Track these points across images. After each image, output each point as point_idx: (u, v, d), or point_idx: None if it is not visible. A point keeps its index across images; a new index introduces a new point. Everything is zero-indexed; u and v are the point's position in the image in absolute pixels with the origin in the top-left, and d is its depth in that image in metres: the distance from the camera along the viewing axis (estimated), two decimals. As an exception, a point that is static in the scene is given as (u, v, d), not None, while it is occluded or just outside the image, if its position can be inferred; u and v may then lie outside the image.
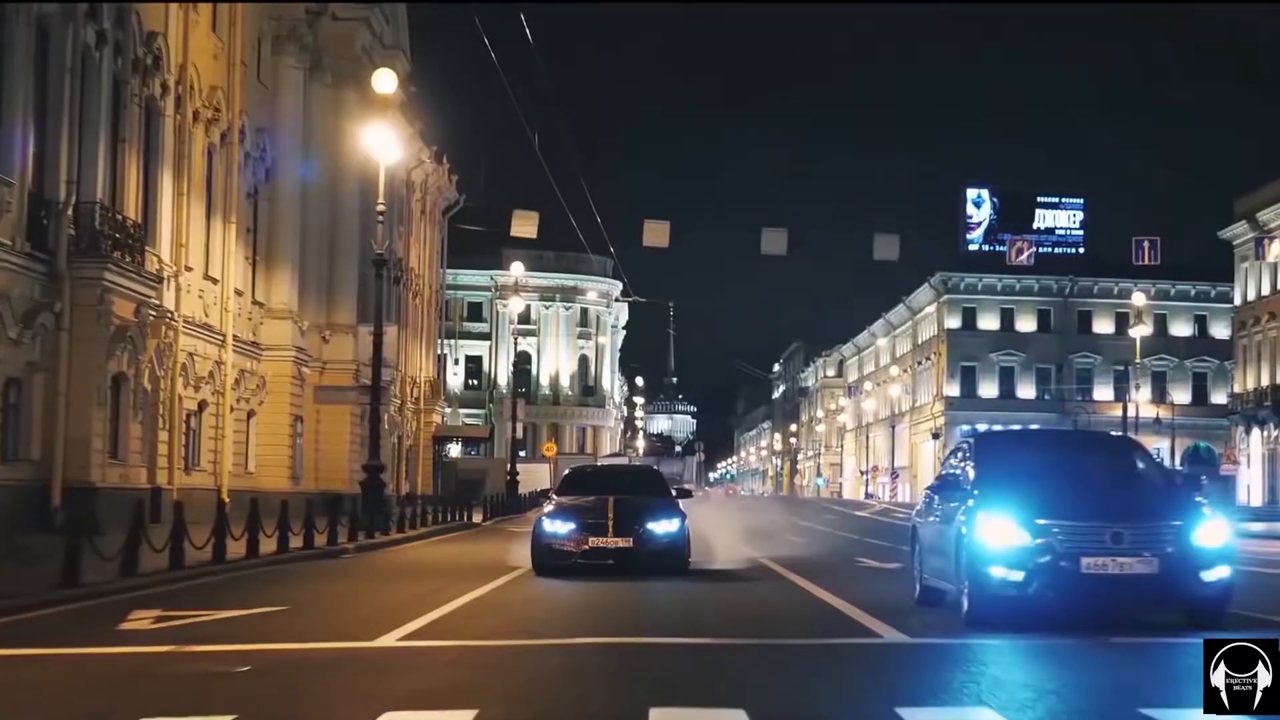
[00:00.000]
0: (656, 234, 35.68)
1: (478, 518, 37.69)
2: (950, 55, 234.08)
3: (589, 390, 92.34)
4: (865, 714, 6.42)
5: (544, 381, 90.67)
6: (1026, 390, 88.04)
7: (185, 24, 31.11)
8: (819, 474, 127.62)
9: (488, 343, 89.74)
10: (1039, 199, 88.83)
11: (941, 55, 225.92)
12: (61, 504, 24.54)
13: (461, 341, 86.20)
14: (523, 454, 62.26)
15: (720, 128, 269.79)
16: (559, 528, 16.74)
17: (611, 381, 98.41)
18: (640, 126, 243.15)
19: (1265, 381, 61.12)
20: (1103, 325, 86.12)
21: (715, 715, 6.11)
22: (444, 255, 63.77)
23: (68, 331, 24.93)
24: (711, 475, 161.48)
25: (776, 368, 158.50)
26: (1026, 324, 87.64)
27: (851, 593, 13.03)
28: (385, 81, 29.70)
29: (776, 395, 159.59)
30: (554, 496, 18.68)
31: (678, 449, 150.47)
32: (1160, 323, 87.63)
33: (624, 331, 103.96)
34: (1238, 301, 66.20)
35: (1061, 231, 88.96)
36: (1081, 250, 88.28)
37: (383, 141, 29.22)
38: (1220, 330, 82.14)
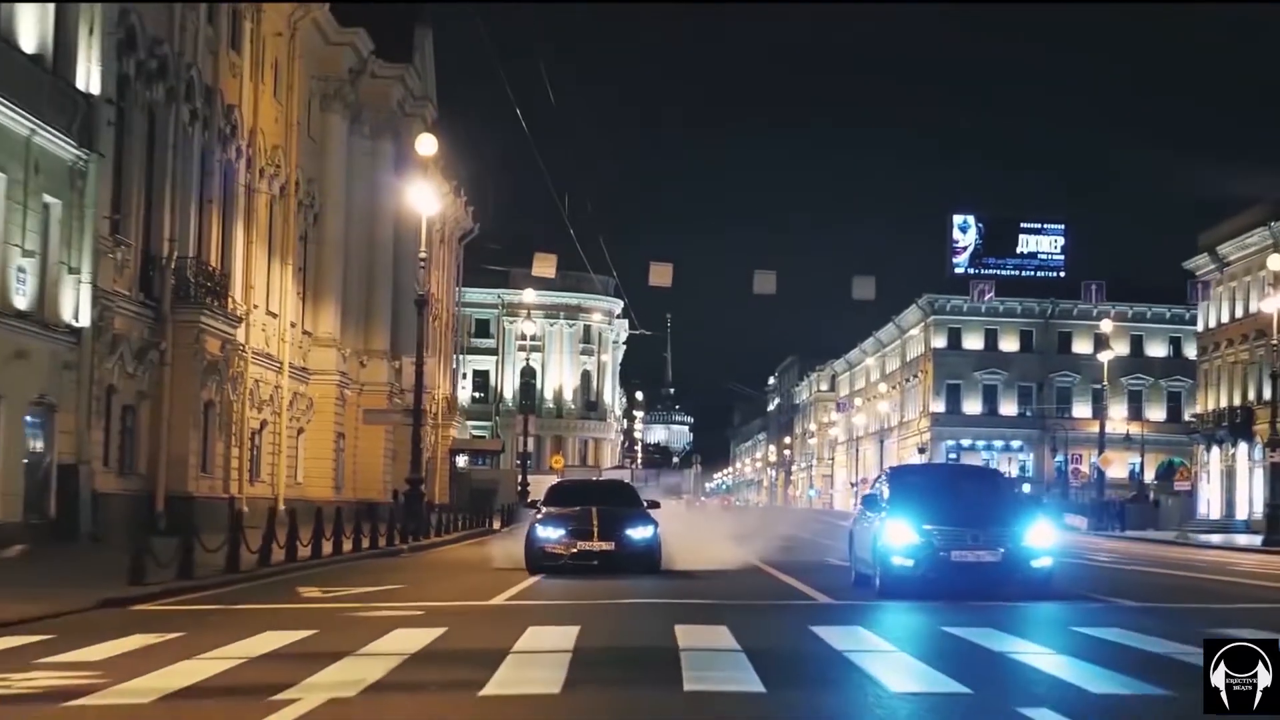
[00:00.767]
0: (661, 275, 40.94)
1: (496, 524, 43.04)
2: (943, 81, 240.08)
3: (591, 405, 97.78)
4: (791, 629, 11.69)
5: (548, 395, 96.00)
6: (1009, 407, 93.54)
7: (255, 93, 36.49)
8: (811, 485, 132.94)
9: (494, 358, 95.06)
10: (1022, 225, 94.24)
11: (936, 83, 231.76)
12: (164, 510, 29.84)
13: (469, 356, 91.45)
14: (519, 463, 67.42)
15: (721, 139, 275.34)
16: (551, 533, 19.86)
17: (613, 396, 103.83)
18: (637, 137, 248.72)
19: (1224, 403, 66.44)
20: (1082, 346, 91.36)
21: (710, 629, 11.32)
22: (459, 279, 69.11)
23: (170, 366, 30.22)
24: (708, 486, 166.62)
25: (771, 381, 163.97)
26: (1009, 344, 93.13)
27: (811, 580, 18.23)
28: (427, 145, 35.04)
29: (771, 408, 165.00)
30: (542, 507, 21.36)
31: (675, 460, 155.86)
32: (1137, 343, 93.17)
33: (624, 347, 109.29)
34: (1200, 328, 71.62)
35: (1044, 256, 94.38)
36: (1063, 274, 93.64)
37: (424, 197, 34.56)
38: (1193, 351, 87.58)
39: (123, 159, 28.62)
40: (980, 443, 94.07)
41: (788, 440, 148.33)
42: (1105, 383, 67.89)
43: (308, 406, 41.73)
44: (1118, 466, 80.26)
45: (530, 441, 63.96)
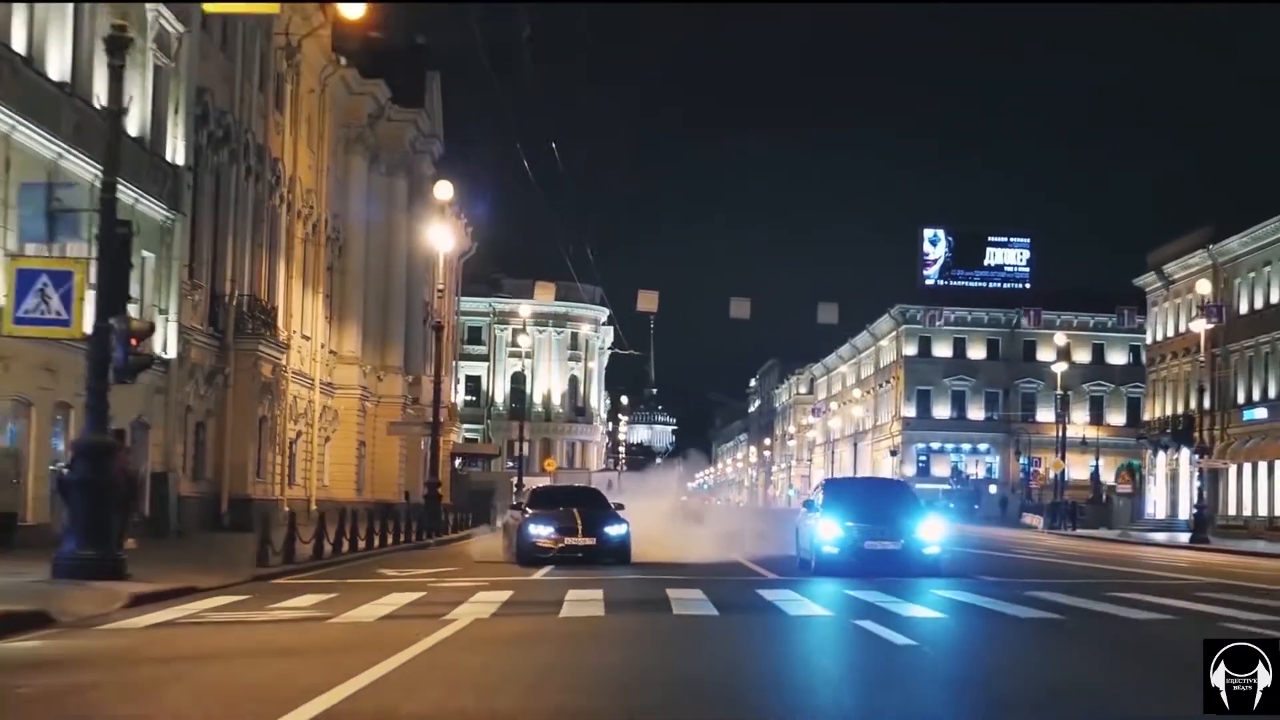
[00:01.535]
0: (648, 301, 46.96)
1: (498, 522, 49.01)
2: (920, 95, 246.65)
3: (579, 409, 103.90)
4: (743, 591, 17.69)
5: (537, 400, 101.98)
6: (976, 412, 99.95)
7: (294, 145, 42.42)
8: (791, 485, 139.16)
9: (486, 364, 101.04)
10: (989, 239, 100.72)
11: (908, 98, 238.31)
12: (227, 510, 35.79)
13: (461, 363, 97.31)
14: (511, 465, 73.41)
15: (722, 139, 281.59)
16: (541, 530, 24.04)
17: (599, 400, 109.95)
18: (615, 137, 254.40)
19: (1169, 412, 72.78)
20: (1046, 354, 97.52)
21: (689, 590, 17.25)
22: (458, 290, 75.03)
23: (232, 388, 36.16)
24: (690, 485, 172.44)
25: (753, 383, 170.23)
26: (977, 352, 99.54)
27: (769, 566, 24.16)
28: (444, 190, 41.13)
29: (752, 410, 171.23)
30: (527, 509, 25.56)
31: (657, 460, 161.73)
32: (1098, 351, 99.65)
33: (610, 352, 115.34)
34: (1149, 341, 77.97)
35: (1010, 268, 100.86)
36: (1028, 285, 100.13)
37: (441, 237, 40.62)
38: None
39: (196, 215, 34.53)
40: (949, 446, 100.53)
41: (768, 441, 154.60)
42: (1059, 391, 74.26)
43: (334, 418, 47.65)
44: (1079, 468, 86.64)
45: (519, 445, 69.86)
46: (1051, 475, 77.57)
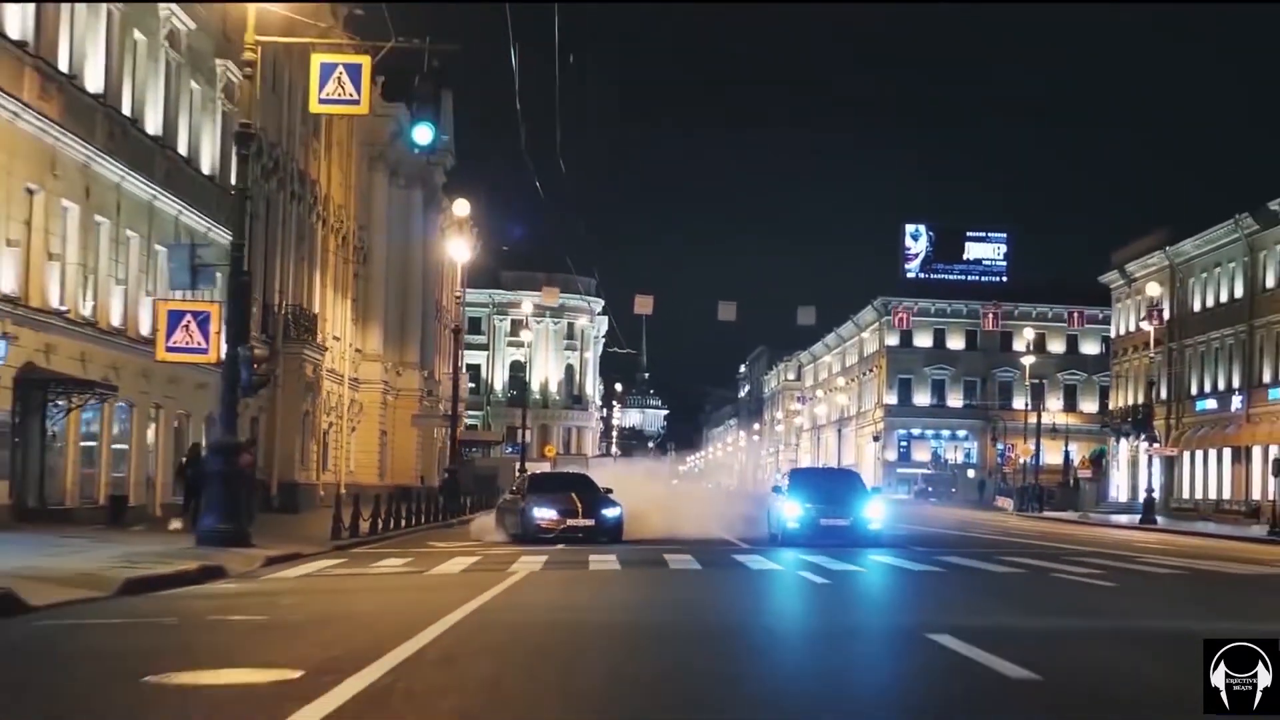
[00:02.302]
0: (644, 305, 52.83)
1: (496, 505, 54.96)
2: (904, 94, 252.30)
3: (575, 397, 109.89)
4: (723, 555, 23.55)
5: (535, 388, 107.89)
6: (955, 400, 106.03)
7: (329, 166, 48.14)
8: (778, 470, 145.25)
9: (485, 353, 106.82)
10: (968, 233, 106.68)
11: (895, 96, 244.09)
12: (276, 493, 41.60)
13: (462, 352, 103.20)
14: (510, 450, 79.36)
15: (721, 135, 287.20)
16: (544, 513, 27.17)
17: (593, 387, 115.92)
18: (608, 130, 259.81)
19: (1130, 401, 78.77)
20: (1021, 344, 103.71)
21: (681, 555, 23.03)
22: (463, 286, 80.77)
23: (281, 387, 41.92)
24: (680, 469, 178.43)
25: (742, 369, 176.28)
26: (956, 342, 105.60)
27: (745, 539, 29.88)
28: (461, 207, 46.87)
29: (742, 395, 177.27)
30: (528, 494, 28.55)
31: (650, 444, 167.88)
32: (1072, 342, 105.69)
33: (604, 339, 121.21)
34: (1113, 335, 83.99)
35: (988, 262, 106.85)
36: (1005, 278, 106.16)
37: (459, 250, 46.39)
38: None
39: (251, 236, 40.20)
40: (929, 432, 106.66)
41: (757, 426, 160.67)
42: (1029, 382, 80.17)
43: (359, 410, 53.47)
44: (1054, 453, 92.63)
45: (521, 432, 75.68)
46: (1022, 461, 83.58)
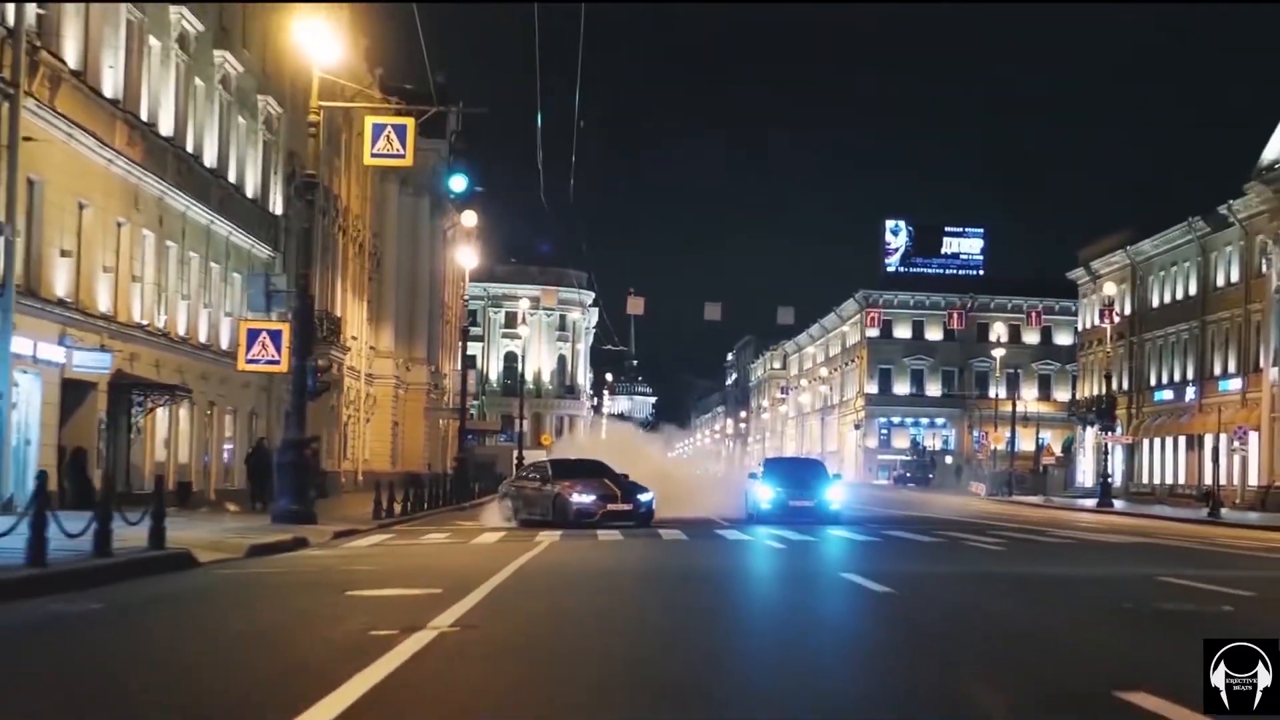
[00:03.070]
0: (635, 305, 58.22)
1: (500, 491, 60.24)
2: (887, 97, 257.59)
3: (568, 387, 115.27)
4: (708, 530, 28.89)
5: (529, 377, 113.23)
6: (934, 389, 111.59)
7: (349, 181, 53.34)
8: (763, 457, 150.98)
9: (480, 344, 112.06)
10: (946, 229, 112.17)
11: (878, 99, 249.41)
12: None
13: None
14: (504, 439, 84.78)
15: (718, 135, 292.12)
16: (584, 499, 29.59)
17: (584, 377, 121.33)
18: (605, 124, 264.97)
19: (1095, 392, 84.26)
20: (997, 335, 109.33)
21: (673, 531, 28.38)
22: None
23: (311, 383, 47.12)
24: (669, 455, 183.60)
25: (730, 357, 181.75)
26: (934, 334, 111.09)
27: (726, 518, 35.15)
28: (469, 218, 52.14)
29: (729, 382, 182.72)
30: (554, 479, 30.82)
31: (641, 430, 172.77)
32: (1046, 333, 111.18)
33: (595, 331, 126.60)
34: (1080, 328, 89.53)
35: (965, 256, 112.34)
36: (982, 272, 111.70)
37: (467, 258, 51.64)
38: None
39: (287, 251, 45.52)
40: (909, 420, 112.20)
41: (744, 414, 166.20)
42: (998, 373, 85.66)
43: (374, 404, 58.75)
44: (1029, 440, 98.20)
45: (516, 420, 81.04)
46: (993, 448, 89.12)
